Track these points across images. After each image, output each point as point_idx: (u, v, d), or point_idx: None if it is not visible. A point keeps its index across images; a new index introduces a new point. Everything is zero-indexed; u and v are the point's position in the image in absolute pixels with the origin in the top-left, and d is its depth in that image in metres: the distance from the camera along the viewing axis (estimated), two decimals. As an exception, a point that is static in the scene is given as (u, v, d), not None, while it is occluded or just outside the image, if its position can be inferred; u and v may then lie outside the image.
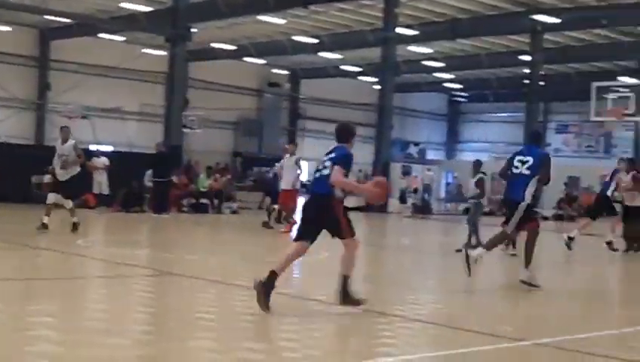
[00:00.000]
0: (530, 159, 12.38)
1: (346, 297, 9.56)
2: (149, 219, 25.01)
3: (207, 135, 47.34)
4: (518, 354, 7.89)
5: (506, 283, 14.79)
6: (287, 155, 21.99)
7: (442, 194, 49.91)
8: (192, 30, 36.72)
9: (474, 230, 18.07)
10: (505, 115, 63.65)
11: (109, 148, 34.42)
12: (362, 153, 53.75)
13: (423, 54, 48.58)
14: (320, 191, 9.74)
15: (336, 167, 9.53)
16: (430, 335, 8.91)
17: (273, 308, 9.03)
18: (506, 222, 12.52)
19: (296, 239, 9.75)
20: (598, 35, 42.53)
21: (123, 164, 28.00)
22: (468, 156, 66.74)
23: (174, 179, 27.94)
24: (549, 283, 15.15)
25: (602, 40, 43.33)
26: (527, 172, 12.32)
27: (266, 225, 22.31)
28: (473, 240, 17.51)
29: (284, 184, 21.66)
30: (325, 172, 9.66)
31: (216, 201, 28.90)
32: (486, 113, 65.61)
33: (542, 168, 12.35)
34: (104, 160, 27.51)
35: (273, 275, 9.21)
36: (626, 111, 24.27)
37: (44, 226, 17.48)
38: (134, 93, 47.74)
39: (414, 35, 40.94)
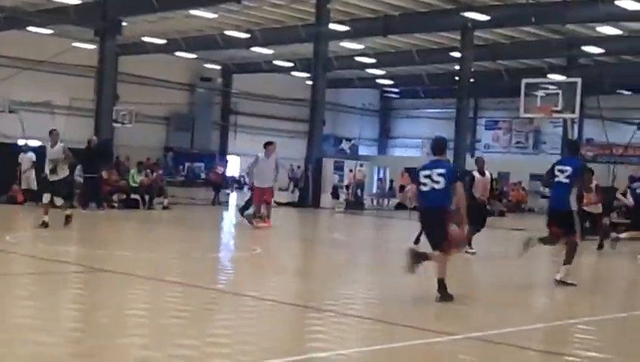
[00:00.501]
0: (569, 169, 13.07)
1: (448, 296, 10.54)
2: (79, 215, 24.67)
3: (139, 130, 46.96)
4: (448, 348, 7.95)
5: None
6: (261, 154, 22.17)
7: (374, 190, 50.14)
8: (123, 24, 36.34)
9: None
10: (436, 111, 64.18)
11: (37, 143, 33.82)
12: (294, 148, 54.10)
13: (355, 50, 48.72)
14: (438, 204, 10.48)
15: (458, 183, 10.53)
16: (363, 330, 8.94)
17: (205, 305, 8.95)
18: (558, 229, 13.32)
19: (434, 249, 10.92)
20: (528, 33, 43.12)
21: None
22: (399, 152, 67.26)
23: (104, 174, 27.59)
24: (486, 277, 15.33)
25: (531, 38, 43.95)
26: (566, 181, 13.01)
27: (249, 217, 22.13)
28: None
29: (263, 182, 21.86)
30: (438, 186, 10.43)
31: (147, 197, 28.61)
32: (417, 109, 66.13)
33: (578, 178, 13.27)
34: (31, 155, 27.04)
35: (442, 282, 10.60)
36: (555, 108, 24.61)
37: (45, 224, 18.52)
38: (64, 87, 47.10)
39: (346, 31, 41.06)
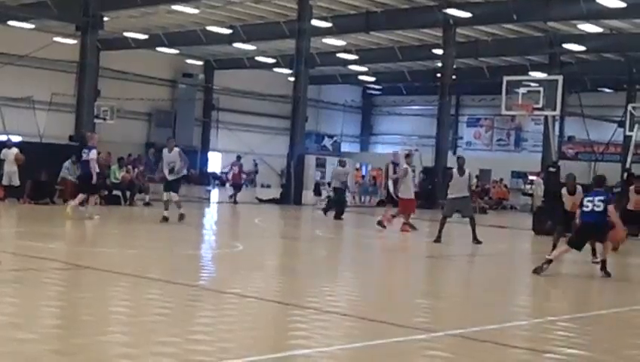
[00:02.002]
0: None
1: (608, 273, 14.73)
2: (60, 212, 24.60)
3: (120, 126, 46.83)
4: (431, 346, 7.97)
5: (423, 276, 14.97)
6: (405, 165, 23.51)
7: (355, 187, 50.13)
8: (104, 18, 36.18)
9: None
10: (418, 108, 64.31)
11: (17, 139, 33.68)
12: (276, 145, 54.11)
13: (337, 47, 48.73)
14: (600, 221, 14.71)
15: (611, 207, 14.69)
16: (345, 327, 8.94)
17: (186, 302, 8.92)
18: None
19: (569, 245, 14.97)
20: (509, 30, 43.24)
21: (32, 154, 27.36)
22: (381, 149, 67.32)
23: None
24: (467, 275, 15.38)
25: (513, 35, 44.07)
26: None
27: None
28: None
29: (407, 193, 23.29)
30: (598, 209, 14.59)
31: (128, 193, 28.52)
32: (399, 106, 66.18)
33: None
34: (15, 150, 26.90)
35: (549, 261, 14.54)
36: (536, 106, 24.67)
37: (165, 219, 21.32)
38: (45, 82, 46.86)
39: (328, 28, 41.05)
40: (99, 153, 22.60)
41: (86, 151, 21.80)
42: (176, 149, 21.90)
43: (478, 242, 19.62)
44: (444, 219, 19.89)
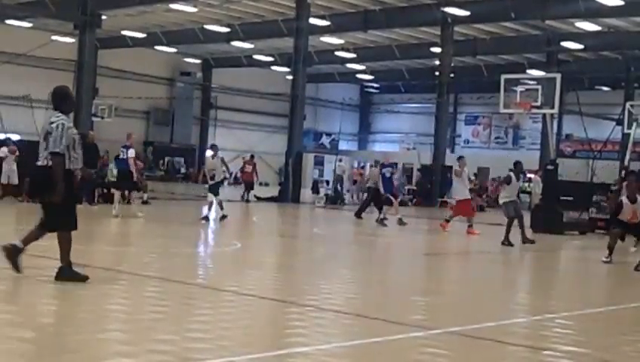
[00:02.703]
0: None
1: None
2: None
3: (118, 124, 46.76)
4: (429, 343, 7.97)
5: (421, 274, 14.96)
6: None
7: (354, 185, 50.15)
8: (102, 17, 36.19)
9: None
10: (416, 106, 64.30)
11: (16, 137, 33.65)
12: (275, 143, 54.12)
13: (335, 45, 48.72)
14: None
15: None
16: (343, 325, 8.94)
17: (184, 300, 8.92)
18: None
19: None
20: (507, 29, 43.24)
21: (31, 153, 27.32)
22: (379, 147, 67.35)
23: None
24: (465, 272, 15.38)
25: (511, 33, 44.07)
26: None
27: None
28: None
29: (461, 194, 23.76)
30: None
31: (126, 192, 28.47)
32: (397, 104, 66.17)
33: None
34: (14, 149, 26.88)
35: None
36: (534, 104, 24.67)
37: (224, 217, 22.29)
38: (43, 80, 46.64)
39: (326, 26, 41.04)
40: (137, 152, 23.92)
41: (123, 150, 22.81)
42: (219, 156, 23.22)
43: (531, 242, 19.76)
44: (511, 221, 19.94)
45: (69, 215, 10.20)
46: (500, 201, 20.60)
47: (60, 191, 9.86)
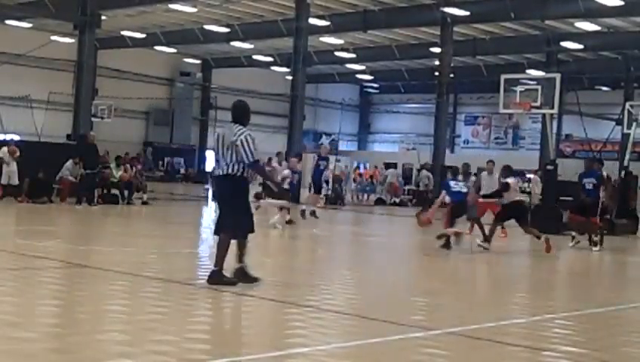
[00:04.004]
0: (593, 180, 19.20)
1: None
2: (58, 210, 24.61)
3: (118, 124, 46.80)
4: (428, 343, 7.97)
5: (420, 274, 14.96)
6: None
7: (352, 185, 50.13)
8: (102, 17, 36.17)
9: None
10: (415, 106, 64.29)
11: (16, 138, 33.65)
12: (274, 144, 54.00)
13: (335, 45, 48.73)
14: None
15: None
16: (343, 325, 8.94)
17: (184, 301, 8.91)
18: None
19: None
20: (507, 29, 43.25)
21: (30, 153, 27.33)
22: (379, 147, 67.37)
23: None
24: (465, 272, 15.38)
25: (510, 33, 44.08)
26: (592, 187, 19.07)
27: None
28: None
29: None
30: None
31: (126, 192, 28.48)
32: (397, 104, 66.18)
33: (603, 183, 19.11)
34: (16, 150, 26.83)
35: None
36: (534, 104, 24.65)
37: (291, 222, 21.92)
38: (43, 81, 46.84)
39: (326, 26, 41.05)
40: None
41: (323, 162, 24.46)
42: (285, 164, 23.74)
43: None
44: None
45: (243, 222, 10.64)
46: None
47: (282, 190, 10.74)
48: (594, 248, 19.51)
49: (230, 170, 10.51)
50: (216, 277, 10.51)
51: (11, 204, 25.45)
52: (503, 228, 21.68)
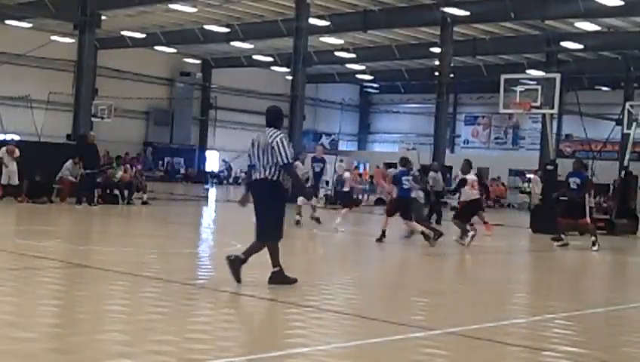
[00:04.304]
0: (578, 180, 19.86)
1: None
2: (58, 210, 24.62)
3: (118, 124, 46.80)
4: (428, 343, 7.97)
5: (420, 274, 14.96)
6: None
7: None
8: (102, 17, 36.17)
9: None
10: (415, 106, 64.30)
11: (16, 138, 33.66)
12: (274, 143, 53.96)
13: (335, 45, 48.74)
14: None
15: None
16: (343, 325, 8.93)
17: (184, 301, 8.91)
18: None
19: None
20: (507, 29, 43.25)
21: (30, 153, 27.33)
22: (379, 147, 67.36)
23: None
24: (465, 272, 15.38)
25: (510, 33, 44.09)
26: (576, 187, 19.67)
27: None
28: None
29: None
30: None
31: (126, 192, 28.49)
32: (397, 104, 66.22)
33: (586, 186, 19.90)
34: (15, 150, 26.83)
35: None
36: (534, 104, 24.65)
37: (298, 223, 22.18)
38: (42, 81, 46.86)
39: (326, 26, 41.06)
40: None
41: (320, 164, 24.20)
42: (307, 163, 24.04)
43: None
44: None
45: (276, 226, 10.93)
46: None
47: (307, 191, 10.85)
48: (593, 248, 19.53)
49: (266, 174, 10.74)
50: (277, 278, 10.80)
51: (11, 204, 25.45)
52: (484, 222, 21.96)
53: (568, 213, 20.47)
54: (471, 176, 19.51)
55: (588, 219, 20.47)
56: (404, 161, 19.18)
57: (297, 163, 22.98)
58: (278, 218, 10.93)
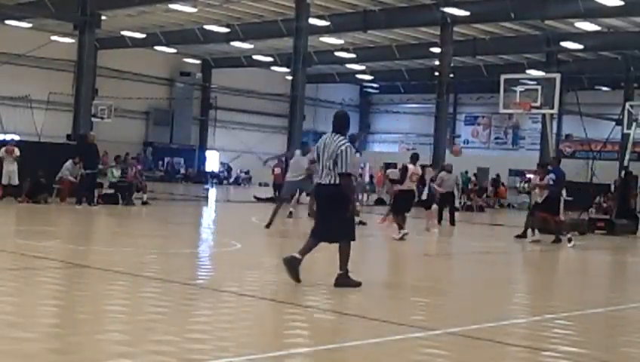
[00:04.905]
0: (554, 176, 20.39)
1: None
2: (58, 210, 24.61)
3: (118, 125, 46.81)
4: (428, 343, 7.96)
5: (420, 274, 14.96)
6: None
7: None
8: (102, 17, 36.18)
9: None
10: (415, 106, 64.32)
11: (16, 138, 33.65)
12: (274, 143, 54.11)
13: (335, 45, 48.74)
14: None
15: None
16: (343, 325, 8.93)
17: (184, 301, 8.90)
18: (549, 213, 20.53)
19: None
20: (507, 29, 43.25)
21: (30, 154, 27.33)
22: (379, 147, 67.37)
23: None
24: (466, 272, 15.37)
25: (510, 33, 44.09)
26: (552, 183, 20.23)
27: None
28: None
29: None
30: None
31: (126, 192, 28.47)
32: (397, 104, 66.23)
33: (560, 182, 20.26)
34: (16, 150, 26.84)
35: None
36: (534, 104, 24.66)
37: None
38: (42, 81, 46.86)
39: (326, 26, 41.07)
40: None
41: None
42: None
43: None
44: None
45: (350, 227, 11.21)
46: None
47: (353, 206, 11.20)
48: (568, 244, 19.87)
49: (331, 179, 10.96)
50: (343, 281, 11.00)
51: (11, 204, 25.45)
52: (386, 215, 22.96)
53: (544, 208, 20.88)
54: (414, 167, 19.75)
55: (562, 217, 21.20)
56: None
57: (304, 157, 23.07)
58: (349, 219, 11.20)
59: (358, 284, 11.03)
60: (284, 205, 22.46)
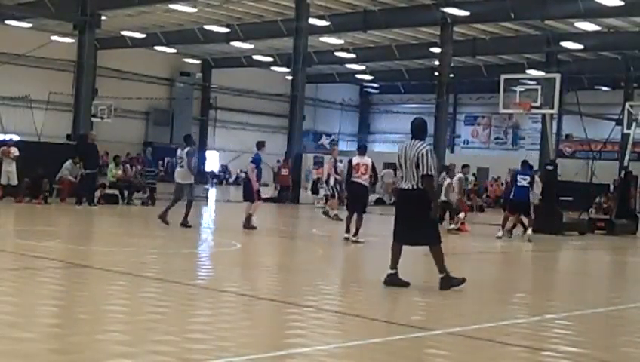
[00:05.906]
0: (527, 177, 21.20)
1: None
2: (58, 210, 24.61)
3: (118, 125, 46.79)
4: (428, 343, 7.96)
5: (420, 274, 14.96)
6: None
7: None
8: (102, 17, 36.18)
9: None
10: (415, 106, 64.23)
11: (15, 138, 33.64)
12: (274, 144, 53.99)
13: (335, 45, 48.74)
14: None
15: None
16: (343, 325, 8.92)
17: (184, 301, 8.90)
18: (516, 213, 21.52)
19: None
20: (507, 29, 43.25)
21: (30, 153, 27.32)
22: (379, 147, 67.32)
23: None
24: (465, 272, 15.39)
25: (510, 33, 44.08)
26: (527, 184, 21.06)
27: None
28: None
29: None
30: None
31: (126, 192, 28.48)
32: (397, 104, 66.18)
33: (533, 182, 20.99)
34: (14, 150, 26.85)
35: None
36: (534, 104, 24.65)
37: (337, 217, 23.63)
38: (42, 81, 46.84)
39: (326, 26, 41.06)
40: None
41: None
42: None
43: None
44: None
45: (435, 229, 11.56)
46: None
47: (436, 209, 11.43)
48: (523, 236, 21.11)
49: (413, 184, 11.24)
50: (446, 283, 11.31)
51: (11, 204, 25.45)
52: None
53: (515, 208, 21.60)
54: (361, 159, 18.86)
55: (532, 216, 21.81)
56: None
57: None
58: (434, 221, 11.50)
59: (462, 281, 11.34)
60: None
